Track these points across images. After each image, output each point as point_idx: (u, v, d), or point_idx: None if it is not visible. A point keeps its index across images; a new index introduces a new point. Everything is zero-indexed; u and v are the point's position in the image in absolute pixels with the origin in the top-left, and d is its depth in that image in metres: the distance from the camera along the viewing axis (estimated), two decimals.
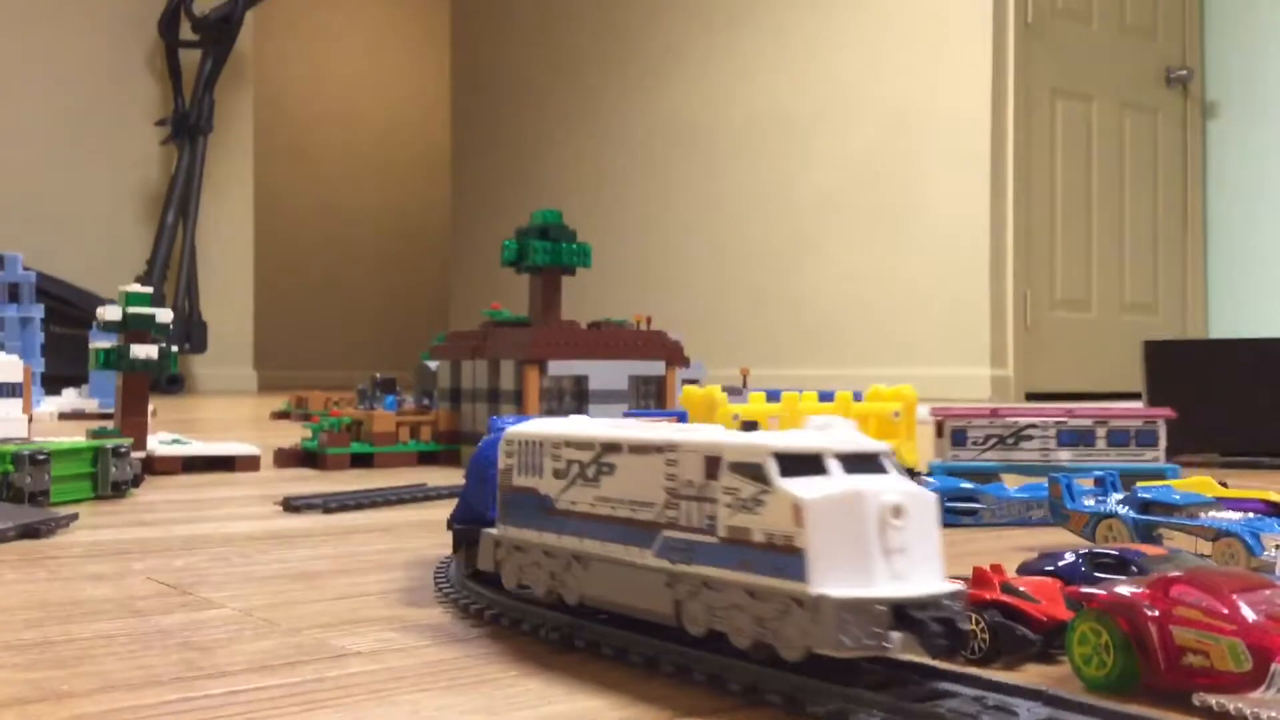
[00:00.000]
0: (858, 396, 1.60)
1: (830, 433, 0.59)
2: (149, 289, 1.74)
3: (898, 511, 0.54)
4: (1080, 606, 0.63)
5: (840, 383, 4.66)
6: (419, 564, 0.98)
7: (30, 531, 1.11)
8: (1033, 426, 1.34)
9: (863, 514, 0.54)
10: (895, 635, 0.52)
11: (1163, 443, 1.34)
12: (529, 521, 0.71)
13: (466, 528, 0.83)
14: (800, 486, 0.54)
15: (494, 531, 0.74)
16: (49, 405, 3.47)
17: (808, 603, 0.53)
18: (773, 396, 1.49)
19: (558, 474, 0.69)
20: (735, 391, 2.01)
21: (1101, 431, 1.33)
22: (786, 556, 0.54)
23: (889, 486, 0.55)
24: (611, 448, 0.65)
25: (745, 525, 0.56)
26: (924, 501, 0.56)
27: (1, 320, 3.74)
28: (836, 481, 0.55)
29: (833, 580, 0.53)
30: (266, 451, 1.91)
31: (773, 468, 0.55)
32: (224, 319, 6.30)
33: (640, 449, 0.63)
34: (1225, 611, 0.57)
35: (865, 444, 0.58)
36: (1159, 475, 1.24)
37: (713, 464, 0.58)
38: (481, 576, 0.82)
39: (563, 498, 0.68)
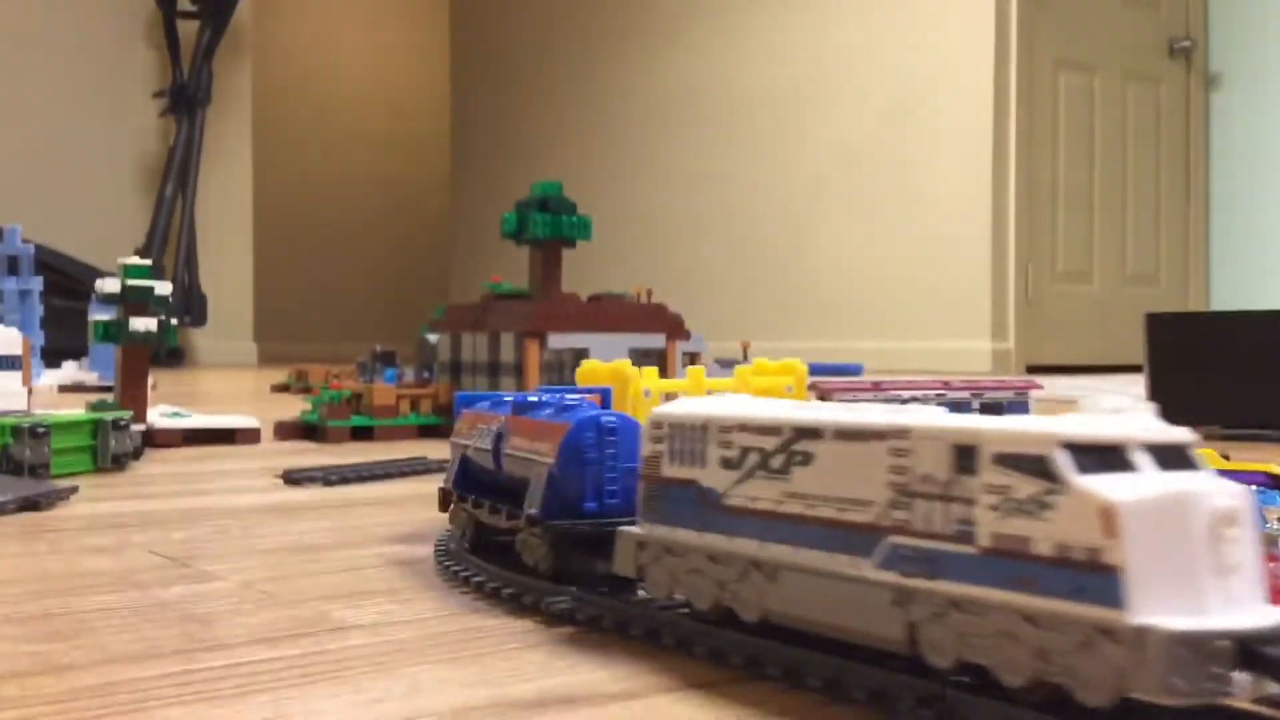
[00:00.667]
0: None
1: (1124, 417, 0.48)
2: (148, 261, 1.73)
3: (1231, 520, 0.45)
4: None
5: (843, 355, 4.67)
6: (419, 537, 0.98)
7: (30, 504, 1.11)
8: (915, 399, 1.34)
9: (1191, 523, 0.44)
10: (1239, 678, 0.43)
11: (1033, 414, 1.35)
12: (686, 520, 0.60)
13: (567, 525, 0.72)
14: (1108, 486, 0.44)
15: (636, 530, 0.64)
16: (49, 378, 3.47)
17: (1125, 635, 0.42)
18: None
19: (728, 464, 0.58)
20: (735, 365, 2.01)
21: (976, 404, 1.34)
22: (1090, 575, 0.43)
23: (1215, 488, 0.45)
24: (808, 432, 0.54)
25: (1022, 533, 0.45)
26: (1252, 506, 0.46)
27: (1, 293, 3.74)
28: (1151, 480, 0.45)
29: (1159, 607, 0.43)
30: (267, 424, 1.91)
31: (1065, 462, 0.45)
32: (223, 292, 6.29)
33: (853, 435, 0.52)
34: None
35: (1173, 433, 0.47)
36: None
37: (965, 455, 0.48)
38: (483, 550, 0.82)
39: (735, 492, 0.58)
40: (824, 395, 1.36)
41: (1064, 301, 4.62)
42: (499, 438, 0.78)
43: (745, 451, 0.57)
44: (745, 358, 2.33)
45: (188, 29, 6.11)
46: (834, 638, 0.54)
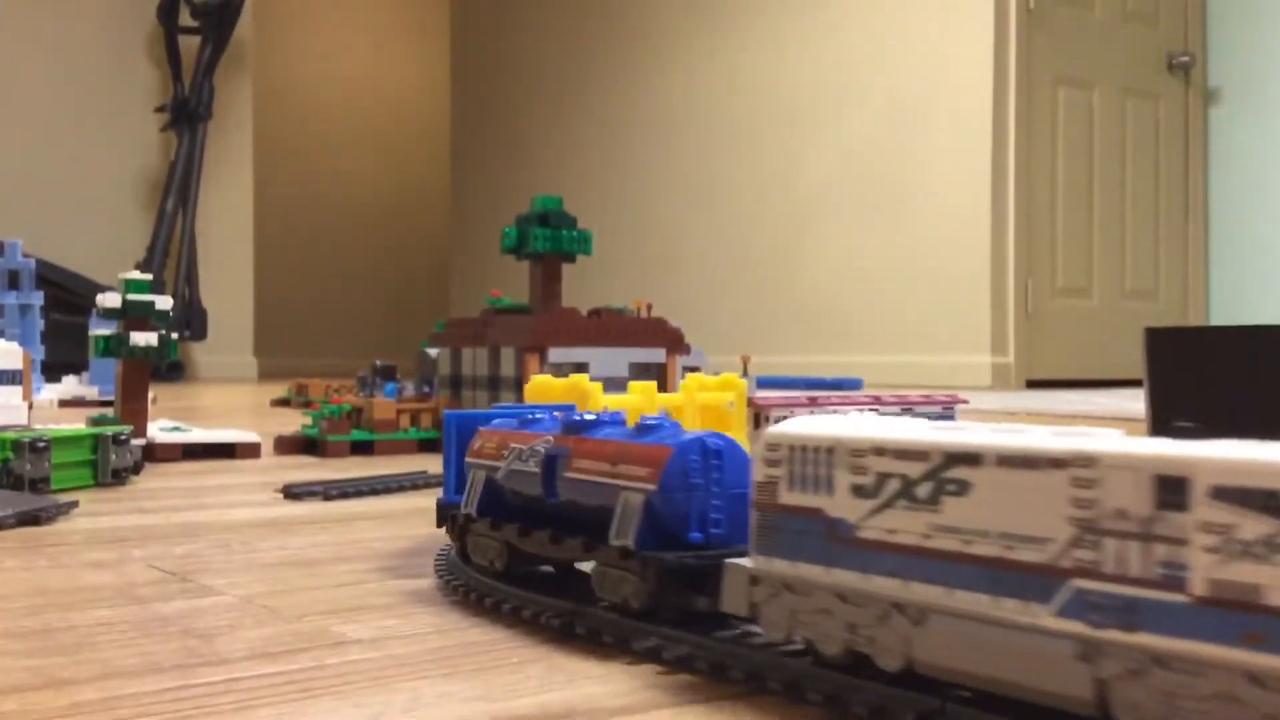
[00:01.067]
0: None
1: None
2: (149, 276, 1.73)
3: None
4: None
5: (843, 370, 4.67)
6: (419, 551, 0.98)
7: (30, 519, 1.11)
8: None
9: None
10: None
11: None
12: (809, 553, 0.54)
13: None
14: None
15: (747, 563, 0.57)
16: (49, 392, 3.47)
17: None
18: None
19: (861, 491, 0.52)
20: None
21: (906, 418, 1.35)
22: None
23: None
24: (964, 458, 0.48)
25: (1249, 580, 0.40)
26: None
27: (1, 307, 3.74)
28: None
29: None
30: (267, 439, 1.91)
31: None
32: (224, 306, 6.30)
33: (1022, 461, 0.46)
34: None
35: None
36: None
37: (1173, 487, 0.42)
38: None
39: (870, 524, 0.52)
40: (760, 411, 1.33)
41: (1064, 316, 4.62)
42: (552, 460, 0.72)
43: (883, 478, 0.51)
44: (745, 372, 2.33)
45: (189, 44, 6.13)
46: (995, 692, 0.47)
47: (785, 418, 1.28)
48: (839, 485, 0.53)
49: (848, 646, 0.53)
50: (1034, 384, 4.48)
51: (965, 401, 1.38)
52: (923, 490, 0.49)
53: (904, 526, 0.50)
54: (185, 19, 6.11)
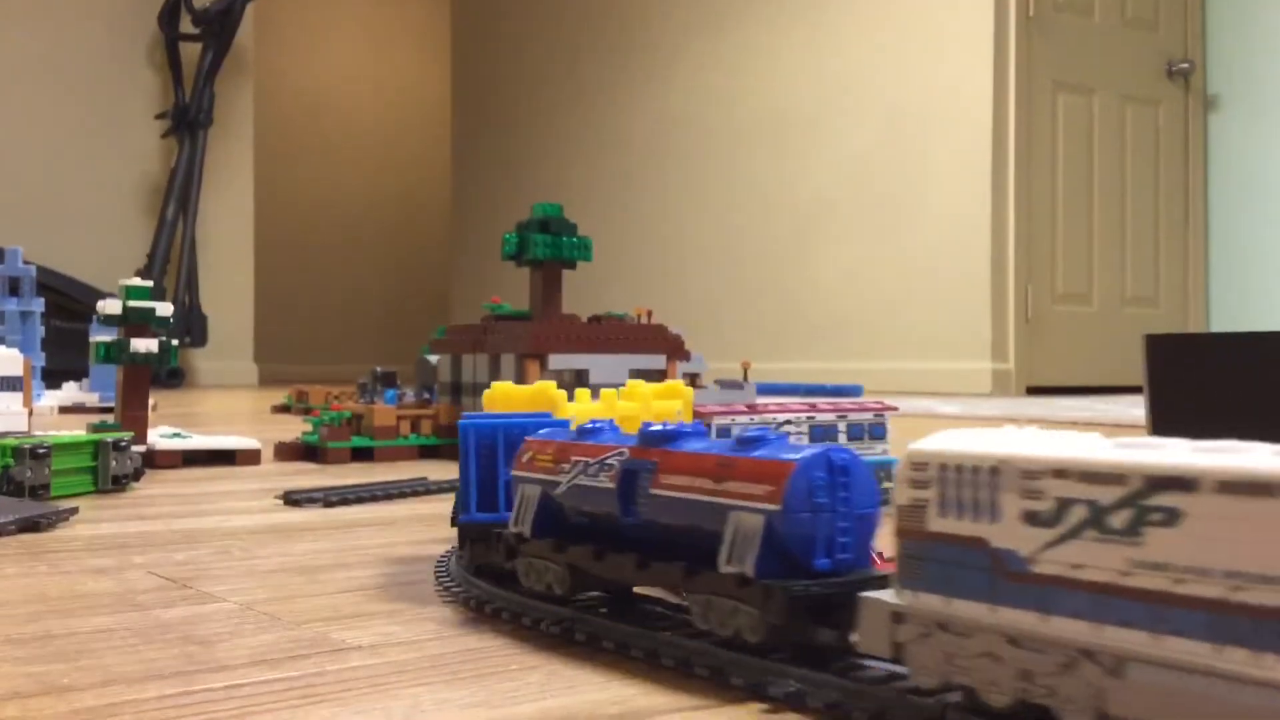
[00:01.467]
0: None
1: None
2: (149, 283, 1.73)
3: None
4: None
5: (844, 376, 4.67)
6: (420, 558, 0.98)
7: (31, 525, 1.11)
8: (789, 422, 1.35)
9: None
10: None
11: (890, 435, 1.36)
12: (968, 589, 0.47)
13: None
14: None
15: (890, 598, 0.51)
16: (49, 399, 3.47)
17: None
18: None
19: (1035, 519, 0.45)
20: (736, 385, 2.02)
21: (842, 425, 1.35)
22: None
23: None
24: (1173, 482, 0.41)
25: None
26: None
27: (2, 314, 3.74)
28: None
29: None
30: (267, 445, 1.91)
31: None
32: (224, 312, 6.30)
33: (1251, 487, 0.39)
34: None
35: None
36: (887, 466, 1.28)
37: None
38: (482, 570, 0.81)
39: (1049, 557, 0.45)
40: (702, 420, 1.30)
41: (1064, 323, 4.63)
42: (632, 475, 0.65)
43: (1064, 504, 0.44)
44: (746, 378, 2.33)
45: (190, 51, 6.14)
46: None
47: (728, 426, 1.26)
48: (1006, 511, 0.46)
49: (1021, 697, 0.46)
50: (1034, 390, 4.48)
51: (895, 409, 1.39)
52: (1118, 519, 0.43)
53: (1094, 561, 0.43)
54: (186, 26, 6.12)
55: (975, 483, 0.47)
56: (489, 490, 0.79)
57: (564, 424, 0.78)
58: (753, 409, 1.33)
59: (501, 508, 0.79)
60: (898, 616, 0.50)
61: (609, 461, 0.66)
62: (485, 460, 0.79)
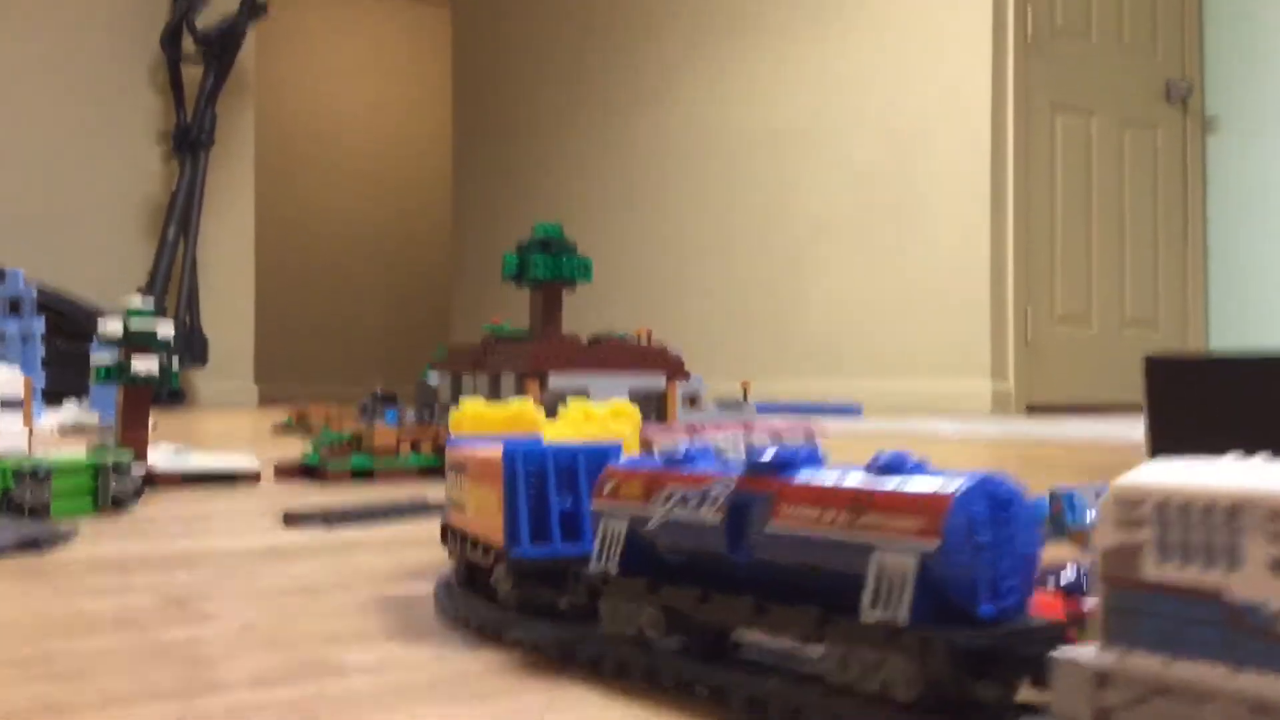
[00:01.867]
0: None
1: None
2: (150, 303, 1.74)
3: None
4: (1083, 622, 0.62)
5: (843, 395, 4.67)
6: (420, 578, 0.98)
7: (30, 546, 1.11)
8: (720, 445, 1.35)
9: None
10: None
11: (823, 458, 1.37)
12: (1199, 648, 0.40)
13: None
14: None
15: (1086, 658, 0.44)
16: (50, 419, 3.47)
17: None
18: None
19: None
20: (735, 405, 2.02)
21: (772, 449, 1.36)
22: None
23: None
24: None
25: None
26: None
27: (2, 334, 3.74)
28: None
29: None
30: (267, 466, 1.91)
31: None
32: (225, 333, 6.30)
33: None
34: None
35: None
36: None
37: None
38: (480, 589, 0.80)
39: None
40: (645, 441, 1.27)
41: (1063, 343, 4.63)
42: (743, 508, 0.58)
43: None
44: (745, 398, 2.33)
45: (192, 73, 6.16)
46: None
47: (671, 448, 1.15)
48: (1250, 558, 0.39)
49: None
50: (1034, 410, 4.48)
51: (823, 431, 1.38)
52: None
53: None
54: (188, 47, 6.14)
55: (1208, 524, 0.40)
56: (542, 521, 0.73)
57: (617, 448, 0.72)
58: (693, 430, 1.32)
59: (555, 539, 0.72)
60: (1102, 679, 0.43)
61: (713, 493, 0.59)
62: (533, 487, 0.73)
